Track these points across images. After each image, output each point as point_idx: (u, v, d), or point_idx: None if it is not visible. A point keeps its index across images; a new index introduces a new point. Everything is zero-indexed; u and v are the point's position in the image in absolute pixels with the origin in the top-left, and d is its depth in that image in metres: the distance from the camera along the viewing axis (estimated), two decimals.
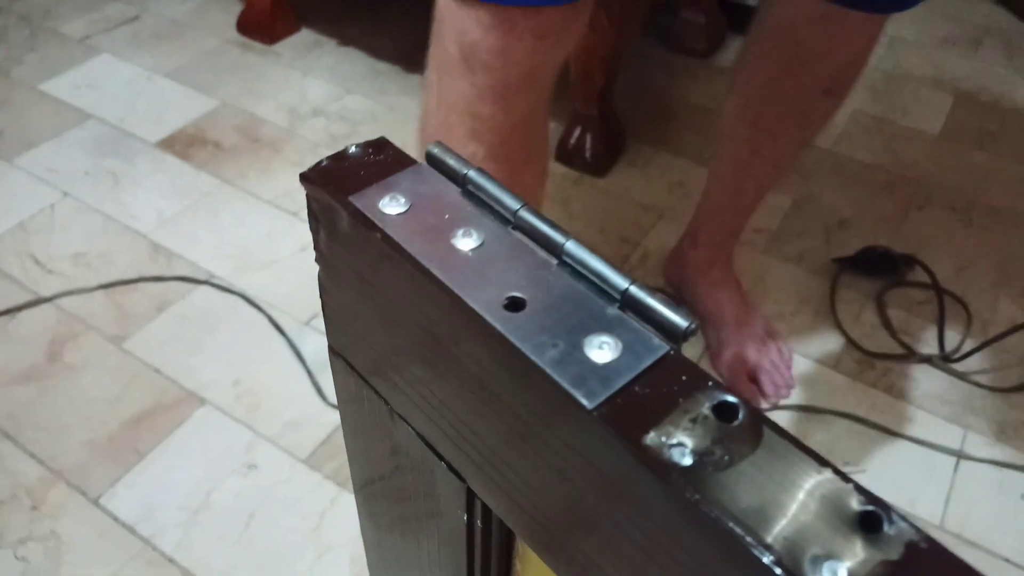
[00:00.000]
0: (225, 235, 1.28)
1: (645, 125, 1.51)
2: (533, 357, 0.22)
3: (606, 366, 0.21)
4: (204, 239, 1.27)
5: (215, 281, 1.21)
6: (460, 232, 0.25)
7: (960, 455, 1.01)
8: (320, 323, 1.15)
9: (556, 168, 1.42)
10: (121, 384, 1.08)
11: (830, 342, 1.14)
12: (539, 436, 0.24)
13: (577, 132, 1.39)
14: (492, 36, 0.63)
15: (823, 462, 0.20)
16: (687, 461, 0.20)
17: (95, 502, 0.96)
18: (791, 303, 1.20)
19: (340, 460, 1.00)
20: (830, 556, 0.18)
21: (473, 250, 0.25)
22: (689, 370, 0.22)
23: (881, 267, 1.22)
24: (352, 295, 0.29)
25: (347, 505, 0.96)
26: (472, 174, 0.26)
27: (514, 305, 0.23)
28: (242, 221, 1.31)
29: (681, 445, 0.20)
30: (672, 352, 0.22)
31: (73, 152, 1.43)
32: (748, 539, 0.18)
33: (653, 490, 0.20)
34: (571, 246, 0.24)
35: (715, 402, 0.21)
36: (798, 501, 0.19)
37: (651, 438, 0.20)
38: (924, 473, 1.00)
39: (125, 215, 1.31)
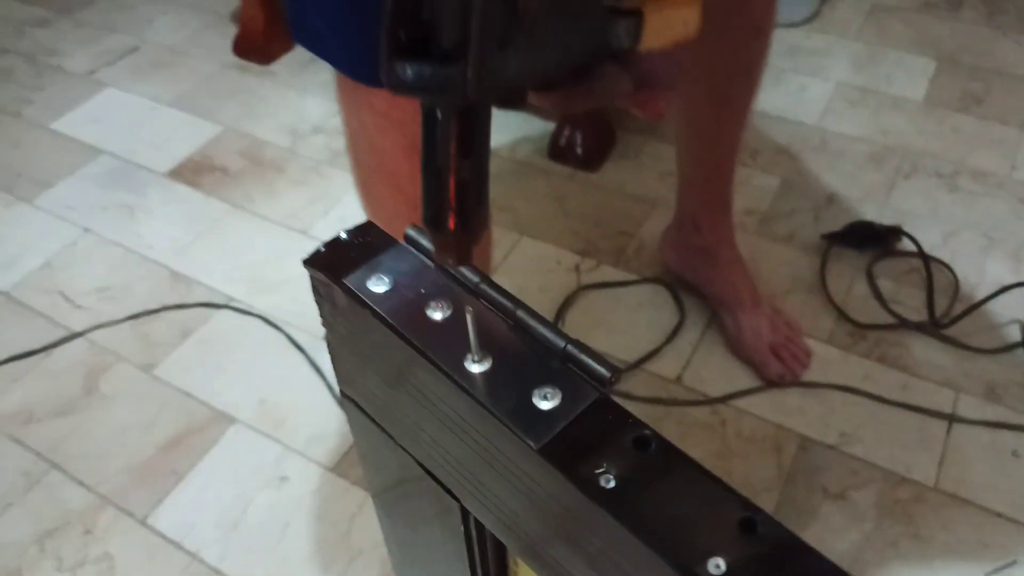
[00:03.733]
0: (238, 259, 1.35)
1: (632, 116, 1.55)
2: (491, 409, 0.28)
3: (549, 412, 0.27)
4: (219, 264, 1.34)
5: (234, 304, 1.27)
6: (432, 304, 0.31)
7: (952, 418, 1.06)
8: None
9: (550, 166, 1.47)
10: (154, 410, 1.15)
11: (823, 317, 1.19)
12: (505, 467, 0.29)
13: (567, 130, 1.43)
14: (392, 109, 0.72)
15: (715, 479, 0.25)
16: (611, 485, 0.25)
17: (142, 522, 1.03)
18: (784, 282, 1.25)
19: None
20: (714, 553, 0.23)
21: (444, 319, 0.31)
22: (615, 411, 0.27)
23: (869, 240, 1.26)
24: (353, 353, 0.35)
25: (374, 509, 1.02)
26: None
27: (477, 365, 0.29)
28: (253, 244, 1.37)
29: (607, 472, 0.25)
30: (600, 397, 0.28)
31: (88, 188, 1.50)
32: (653, 545, 0.23)
33: (588, 510, 0.25)
34: (521, 313, 0.30)
35: (634, 435, 0.26)
36: (694, 511, 0.24)
37: (584, 469, 0.25)
38: (918, 438, 1.05)
39: (143, 246, 1.38)
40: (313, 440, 1.10)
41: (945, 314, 1.17)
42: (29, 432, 1.13)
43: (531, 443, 0.26)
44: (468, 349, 0.29)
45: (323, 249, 0.34)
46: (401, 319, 0.31)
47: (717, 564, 0.23)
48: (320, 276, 0.33)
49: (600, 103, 0.31)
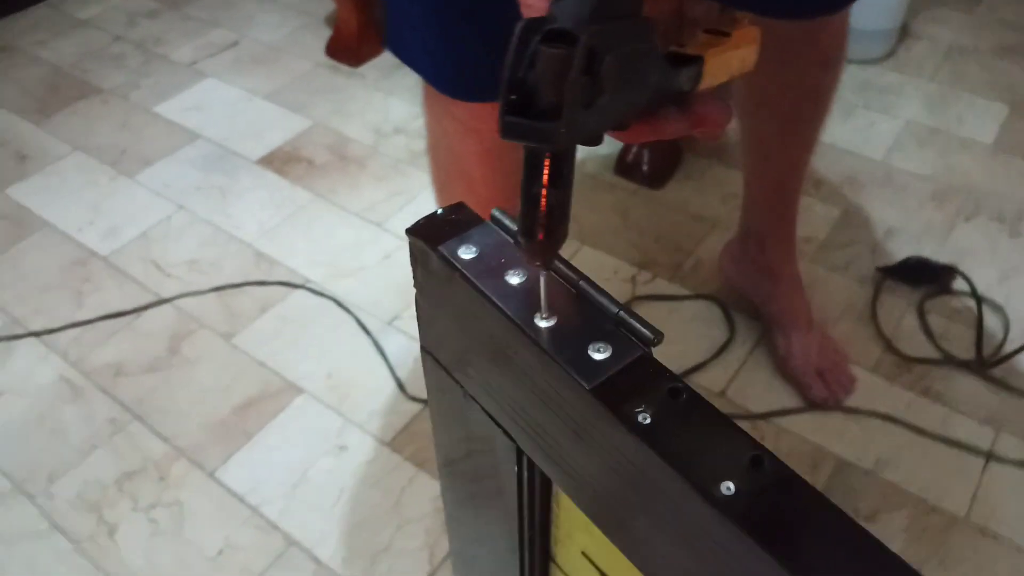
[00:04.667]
0: (318, 244, 1.44)
1: (699, 139, 1.61)
2: (554, 356, 0.34)
3: (600, 362, 0.33)
4: (300, 248, 1.43)
5: (310, 286, 1.36)
6: (511, 271, 0.38)
7: (990, 455, 1.08)
8: (400, 323, 1.30)
9: (616, 181, 1.53)
10: (231, 375, 1.24)
11: (871, 346, 1.22)
12: (560, 407, 0.36)
13: (634, 148, 1.49)
14: (471, 118, 0.80)
15: (733, 425, 0.31)
16: (647, 422, 0.31)
17: (211, 475, 1.12)
18: (836, 309, 1.28)
19: (418, 444, 1.14)
20: (726, 479, 0.29)
21: (519, 284, 0.37)
22: (655, 365, 0.34)
23: (923, 276, 1.29)
24: (438, 310, 0.42)
25: (423, 484, 1.09)
26: None
27: (544, 322, 0.35)
28: (332, 232, 1.47)
29: (644, 412, 0.32)
30: (644, 354, 0.34)
31: (185, 169, 1.62)
32: (678, 471, 0.29)
33: (626, 441, 0.32)
34: (583, 284, 0.36)
35: (669, 386, 0.33)
36: (713, 447, 0.30)
37: (625, 408, 0.32)
38: (954, 471, 1.07)
39: (231, 226, 1.49)
40: (373, 416, 1.17)
41: (993, 355, 1.19)
42: (118, 384, 1.23)
43: (584, 384, 0.33)
44: (538, 308, 0.36)
45: (422, 222, 0.41)
46: (485, 281, 0.37)
47: (728, 487, 0.29)
48: (419, 243, 0.40)
49: (659, 138, 0.38)
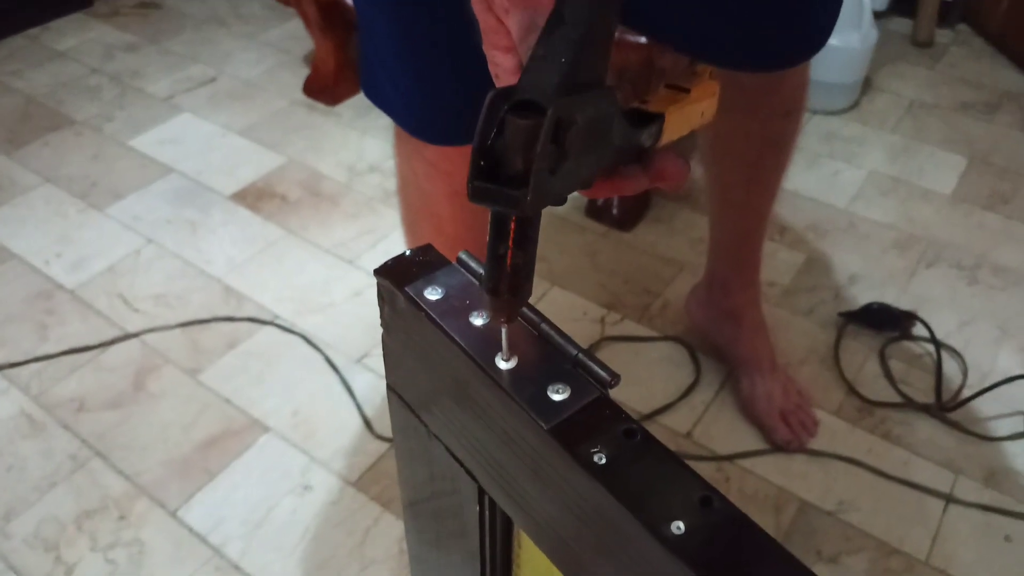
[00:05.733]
0: (288, 280, 1.44)
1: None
2: (514, 396, 0.35)
3: (559, 403, 0.34)
4: (270, 283, 1.43)
5: (279, 322, 1.36)
6: (475, 313, 0.39)
7: (950, 498, 1.10)
8: (369, 361, 1.29)
9: (586, 223, 1.55)
10: (195, 411, 1.23)
11: (833, 390, 1.24)
12: (519, 446, 0.36)
13: None
14: (441, 160, 0.82)
15: (684, 466, 0.32)
16: (602, 462, 0.32)
17: (172, 514, 1.10)
18: (799, 353, 1.30)
19: (384, 484, 1.13)
20: (677, 518, 0.30)
21: (483, 325, 0.38)
22: (611, 407, 0.34)
23: (885, 321, 1.32)
24: (404, 350, 0.43)
25: (389, 524, 1.08)
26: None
27: (506, 363, 0.36)
28: (303, 268, 1.47)
29: (600, 452, 0.32)
30: (601, 395, 0.35)
31: (156, 202, 1.62)
32: (630, 511, 0.30)
33: (582, 480, 0.32)
34: (544, 326, 0.37)
35: (624, 427, 0.33)
36: (665, 487, 0.31)
37: (582, 448, 0.32)
38: (914, 513, 1.08)
39: (201, 260, 1.48)
40: (339, 454, 1.17)
41: (952, 399, 1.21)
42: (79, 420, 1.21)
43: (543, 424, 0.33)
44: (500, 349, 0.37)
45: (390, 263, 0.41)
46: (449, 322, 0.38)
47: (678, 526, 0.30)
48: (386, 283, 0.41)
49: (620, 194, 0.40)
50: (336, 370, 1.28)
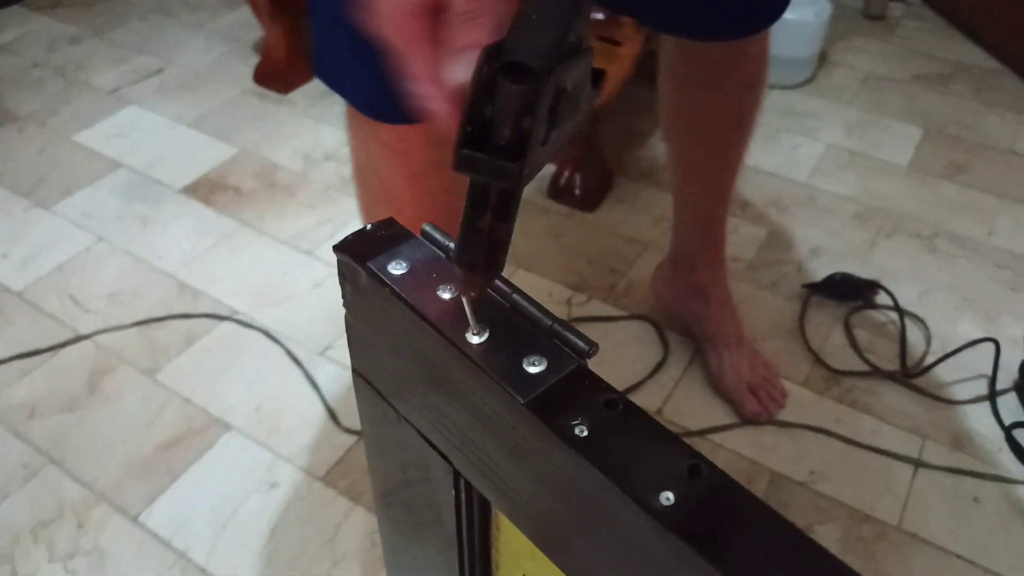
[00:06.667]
0: (245, 273, 1.40)
1: (631, 163, 1.63)
2: (488, 371, 0.33)
3: (535, 375, 0.32)
4: (226, 277, 1.39)
5: (237, 317, 1.32)
6: (442, 287, 0.36)
7: (918, 463, 1.11)
8: (332, 353, 1.26)
9: (549, 205, 1.54)
10: (154, 412, 1.19)
11: (800, 361, 1.24)
12: (496, 424, 0.34)
13: (567, 172, 1.50)
14: (397, 140, 0.79)
15: (670, 434, 0.30)
16: (584, 434, 0.30)
17: (134, 519, 1.06)
18: (765, 326, 1.30)
19: (353, 478, 1.10)
20: (665, 489, 0.28)
21: (451, 298, 0.36)
22: (590, 377, 0.33)
23: (848, 292, 1.32)
24: (369, 330, 0.41)
25: (360, 518, 1.06)
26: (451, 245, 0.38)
27: (476, 337, 0.34)
28: (260, 260, 1.43)
29: (581, 424, 0.31)
30: (579, 366, 0.33)
31: (106, 198, 1.56)
32: (616, 484, 0.29)
33: (564, 455, 0.31)
34: (516, 297, 0.35)
35: (605, 397, 0.32)
36: (650, 457, 0.29)
37: (561, 421, 0.31)
38: (884, 480, 1.09)
39: (154, 256, 1.43)
40: (304, 450, 1.14)
41: (916, 365, 1.22)
42: (31, 426, 1.17)
43: (519, 398, 0.32)
44: (470, 324, 0.35)
45: (350, 238, 0.39)
46: (415, 297, 0.36)
47: (667, 497, 0.28)
48: (347, 259, 0.38)
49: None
50: (298, 363, 1.25)
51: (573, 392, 0.32)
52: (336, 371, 1.24)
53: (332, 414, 1.18)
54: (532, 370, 0.33)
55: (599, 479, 0.29)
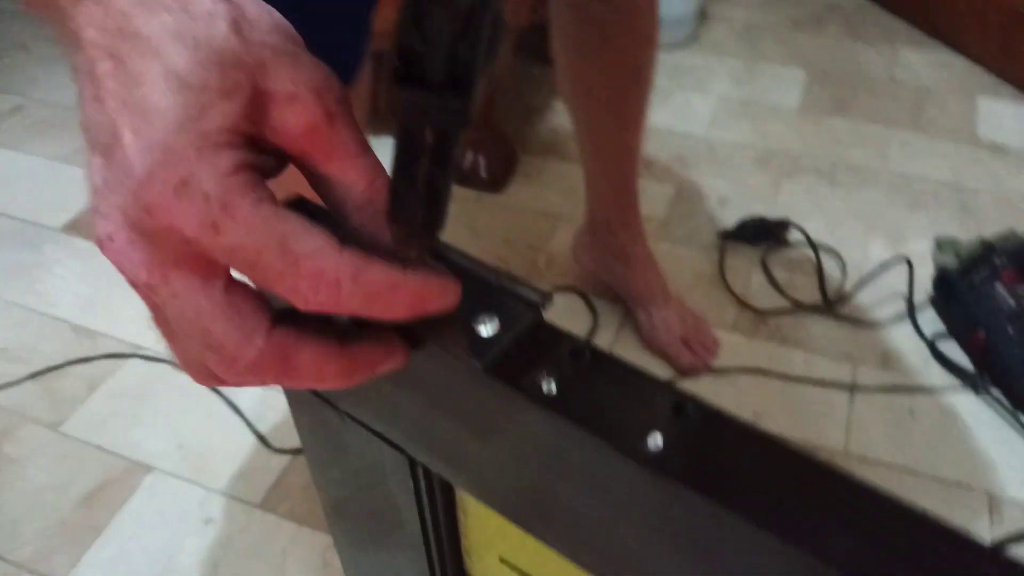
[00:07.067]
0: (143, 307, 1.31)
1: (533, 138, 1.61)
2: (436, 341, 0.29)
3: (489, 338, 0.29)
4: (124, 314, 1.30)
5: (142, 352, 1.24)
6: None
7: (853, 388, 1.13)
8: None
9: (456, 190, 1.49)
10: (66, 468, 1.10)
11: (726, 308, 1.25)
12: (452, 398, 0.31)
13: (470, 154, 1.47)
14: None
15: (644, 374, 0.28)
16: (554, 390, 0.27)
17: None
18: (687, 279, 1.31)
19: (293, 499, 1.05)
20: (651, 431, 0.26)
21: None
22: (549, 330, 0.30)
23: (761, 234, 1.34)
24: None
25: (307, 539, 1.01)
26: None
27: None
28: None
29: (548, 380, 0.28)
30: (535, 319, 0.30)
31: None
32: (598, 436, 0.26)
33: (534, 415, 0.27)
34: (454, 256, 0.32)
35: (569, 348, 0.29)
36: (630, 403, 0.27)
37: (526, 380, 0.28)
38: (825, 409, 1.11)
39: (44, 304, 1.33)
40: (236, 479, 1.07)
41: (836, 295, 1.25)
42: None
43: (476, 364, 0.28)
44: None
45: None
46: None
47: (655, 440, 0.25)
48: None
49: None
50: (216, 391, 1.18)
51: (533, 348, 0.29)
52: (258, 392, 1.17)
53: (260, 437, 1.11)
54: (485, 332, 0.29)
55: (578, 435, 0.26)
